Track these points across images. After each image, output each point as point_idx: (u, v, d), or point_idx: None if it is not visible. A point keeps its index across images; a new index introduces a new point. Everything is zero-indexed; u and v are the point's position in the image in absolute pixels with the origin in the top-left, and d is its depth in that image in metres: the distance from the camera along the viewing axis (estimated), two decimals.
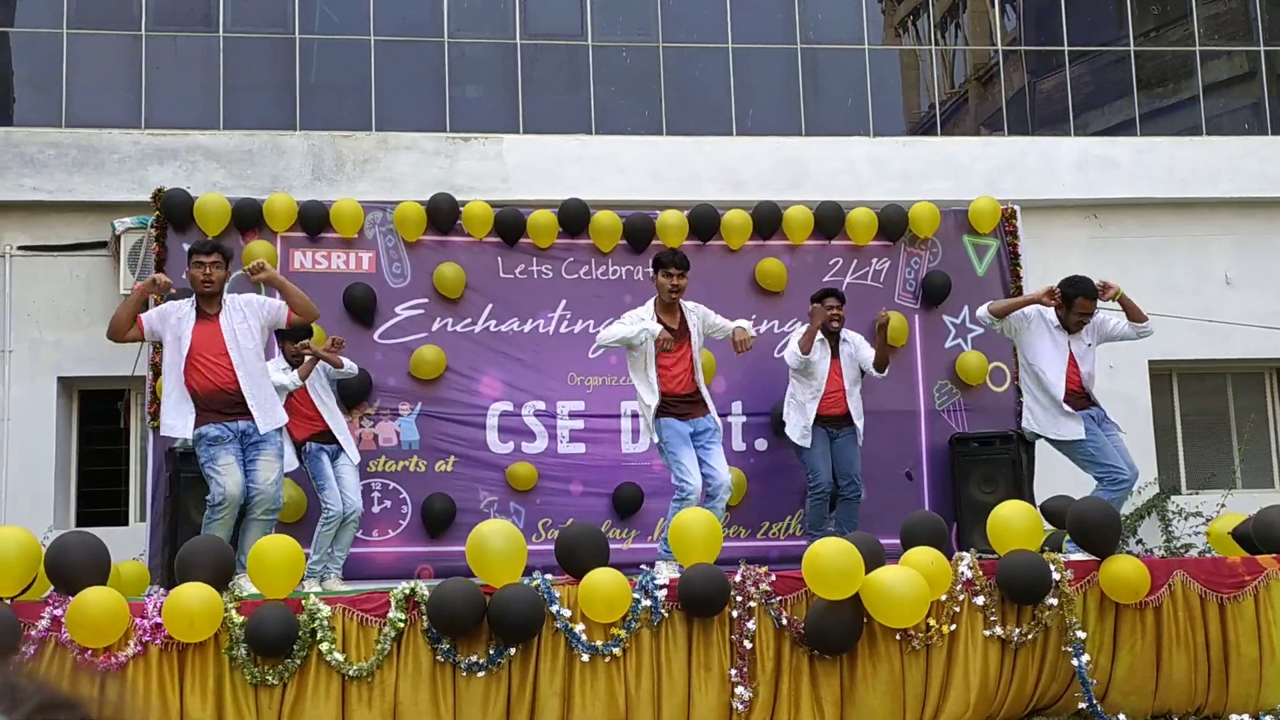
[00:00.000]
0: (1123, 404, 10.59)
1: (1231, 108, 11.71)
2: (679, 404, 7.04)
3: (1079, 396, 7.04)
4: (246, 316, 6.37)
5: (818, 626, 5.78)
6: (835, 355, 7.89)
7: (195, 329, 6.31)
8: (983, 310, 7.27)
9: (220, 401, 6.26)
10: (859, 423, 7.88)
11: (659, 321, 7.03)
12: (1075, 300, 7.06)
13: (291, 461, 7.23)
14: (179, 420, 6.32)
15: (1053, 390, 6.97)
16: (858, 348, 7.94)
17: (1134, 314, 7.15)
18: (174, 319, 6.38)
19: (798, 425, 7.83)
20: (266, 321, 6.47)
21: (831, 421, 7.82)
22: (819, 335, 7.77)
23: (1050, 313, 7.13)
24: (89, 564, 5.56)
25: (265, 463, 6.32)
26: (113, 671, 5.31)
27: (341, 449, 7.38)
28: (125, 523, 9.75)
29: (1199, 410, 11.31)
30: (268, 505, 6.36)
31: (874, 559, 5.85)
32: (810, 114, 10.99)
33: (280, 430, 6.49)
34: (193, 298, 6.48)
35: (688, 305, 7.20)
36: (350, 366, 7.57)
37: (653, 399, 6.99)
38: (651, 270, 7.21)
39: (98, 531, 7.93)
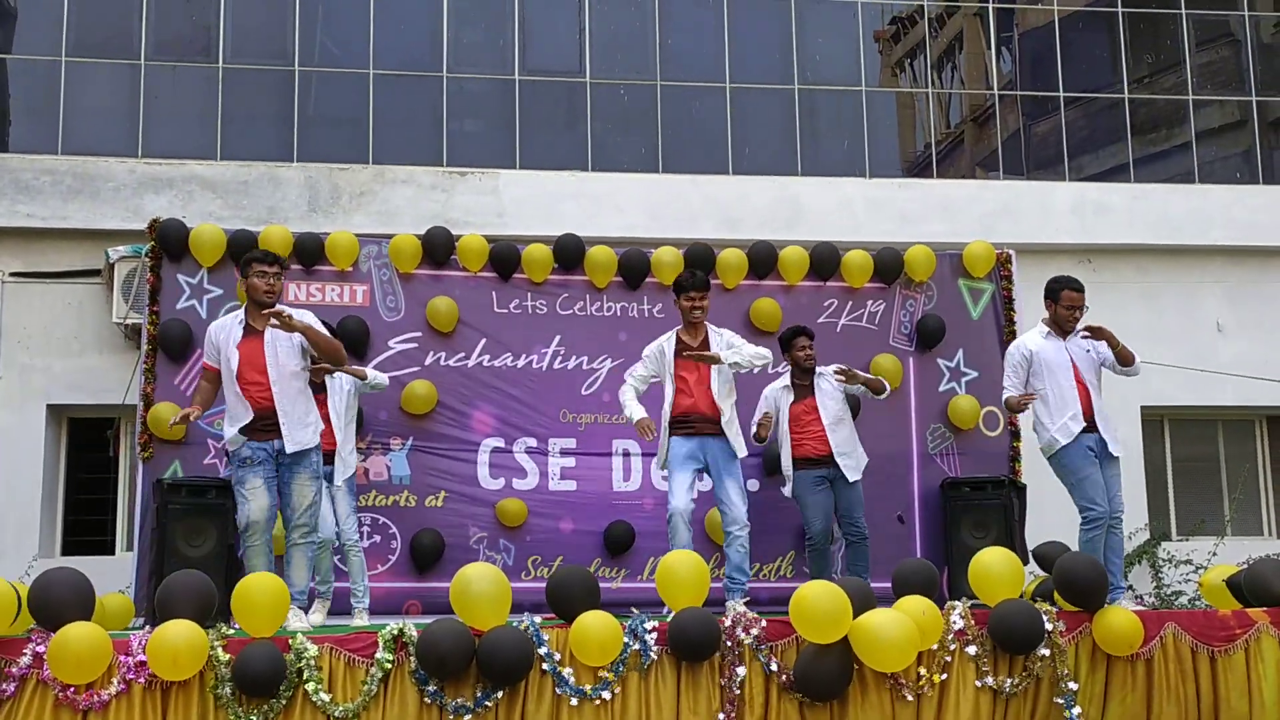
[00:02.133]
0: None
1: (1223, 155, 11.80)
2: (687, 422, 6.99)
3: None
4: (291, 333, 6.26)
5: (806, 671, 5.74)
6: (810, 394, 7.70)
7: (241, 346, 6.27)
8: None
9: (259, 420, 6.23)
10: (850, 460, 7.63)
11: (680, 341, 7.07)
12: (1061, 293, 6.98)
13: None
14: (231, 430, 6.29)
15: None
16: (834, 393, 7.75)
17: (1123, 358, 6.99)
18: (221, 337, 6.34)
19: (785, 470, 7.74)
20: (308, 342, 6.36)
21: (817, 463, 7.60)
22: (787, 381, 7.78)
23: (1032, 337, 7.07)
24: (73, 600, 5.49)
25: (299, 486, 6.28)
26: (95, 710, 5.25)
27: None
28: (112, 552, 9.69)
29: (1190, 457, 11.32)
30: (304, 529, 6.32)
31: (863, 603, 5.82)
32: (807, 154, 11.04)
33: (317, 449, 6.40)
34: (240, 311, 6.43)
35: (714, 330, 7.16)
36: (375, 378, 7.51)
37: (665, 415, 7.06)
38: (674, 293, 7.19)
39: (83, 560, 7.90)
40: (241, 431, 6.23)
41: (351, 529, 7.36)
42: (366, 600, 7.38)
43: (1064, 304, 6.96)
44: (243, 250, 8.25)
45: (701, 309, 7.03)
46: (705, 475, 7.11)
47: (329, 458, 7.22)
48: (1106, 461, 6.91)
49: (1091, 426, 6.89)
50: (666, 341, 7.15)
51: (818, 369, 7.76)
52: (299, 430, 6.30)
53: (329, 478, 7.20)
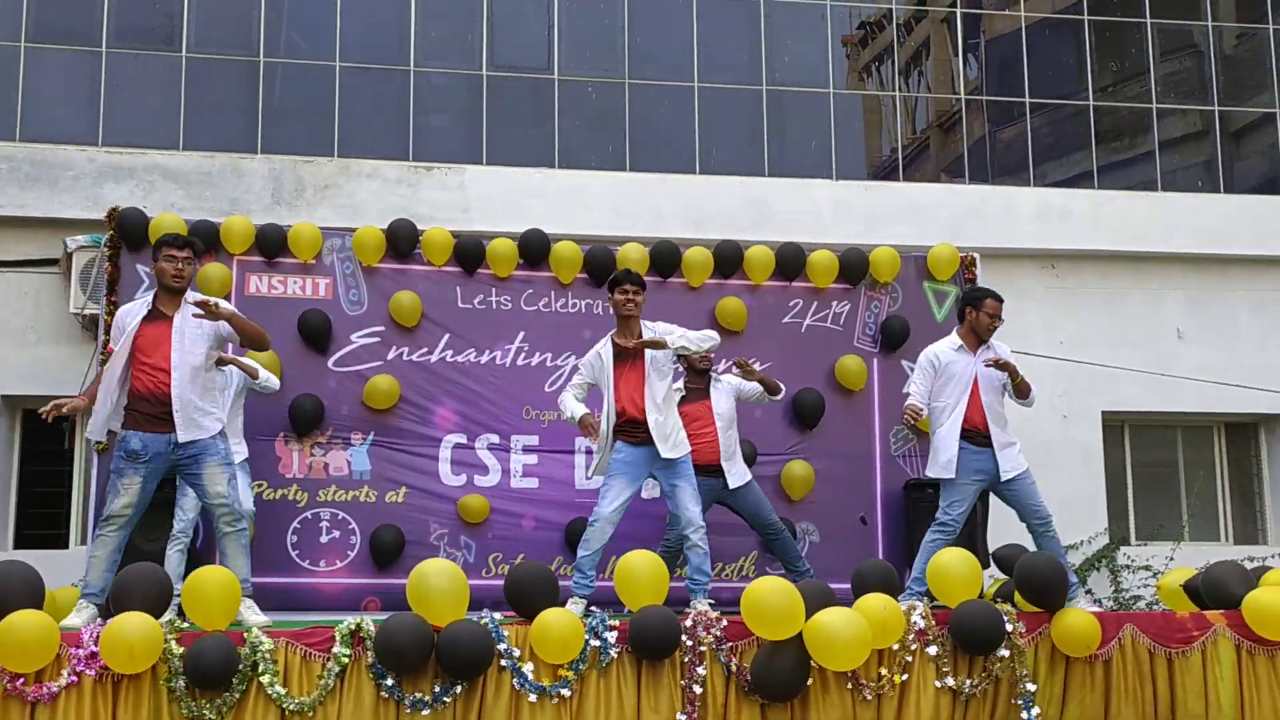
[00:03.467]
0: (1075, 453, 10.72)
1: (1185, 164, 11.92)
2: (631, 428, 6.74)
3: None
4: (203, 321, 6.08)
5: (761, 671, 5.73)
6: (704, 396, 7.52)
7: (143, 328, 6.05)
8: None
9: (150, 407, 5.99)
10: (734, 466, 7.44)
11: (614, 344, 6.82)
12: (984, 301, 6.87)
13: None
14: (113, 424, 6.03)
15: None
16: (737, 385, 7.60)
17: (1020, 390, 6.86)
18: (127, 319, 6.13)
19: None
20: (225, 333, 6.18)
21: (704, 471, 7.25)
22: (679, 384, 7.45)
23: (943, 347, 6.97)
24: (22, 592, 5.40)
25: (210, 474, 6.03)
26: (44, 702, 5.16)
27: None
28: (66, 546, 9.54)
29: (1149, 462, 11.41)
30: (229, 516, 6.07)
31: (823, 603, 5.81)
32: (774, 155, 11.05)
33: (220, 436, 6.15)
34: (149, 296, 6.26)
35: (649, 325, 6.86)
36: (267, 379, 7.31)
37: (607, 423, 6.76)
38: (608, 292, 6.93)
39: (37, 554, 7.77)
40: (131, 423, 5.99)
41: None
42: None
43: (987, 311, 6.83)
44: (204, 241, 8.18)
45: (635, 303, 6.77)
46: (650, 483, 6.99)
47: None
48: (1012, 482, 6.75)
49: (984, 442, 6.75)
50: (603, 348, 6.87)
51: (714, 374, 7.63)
52: (196, 419, 6.04)
53: None
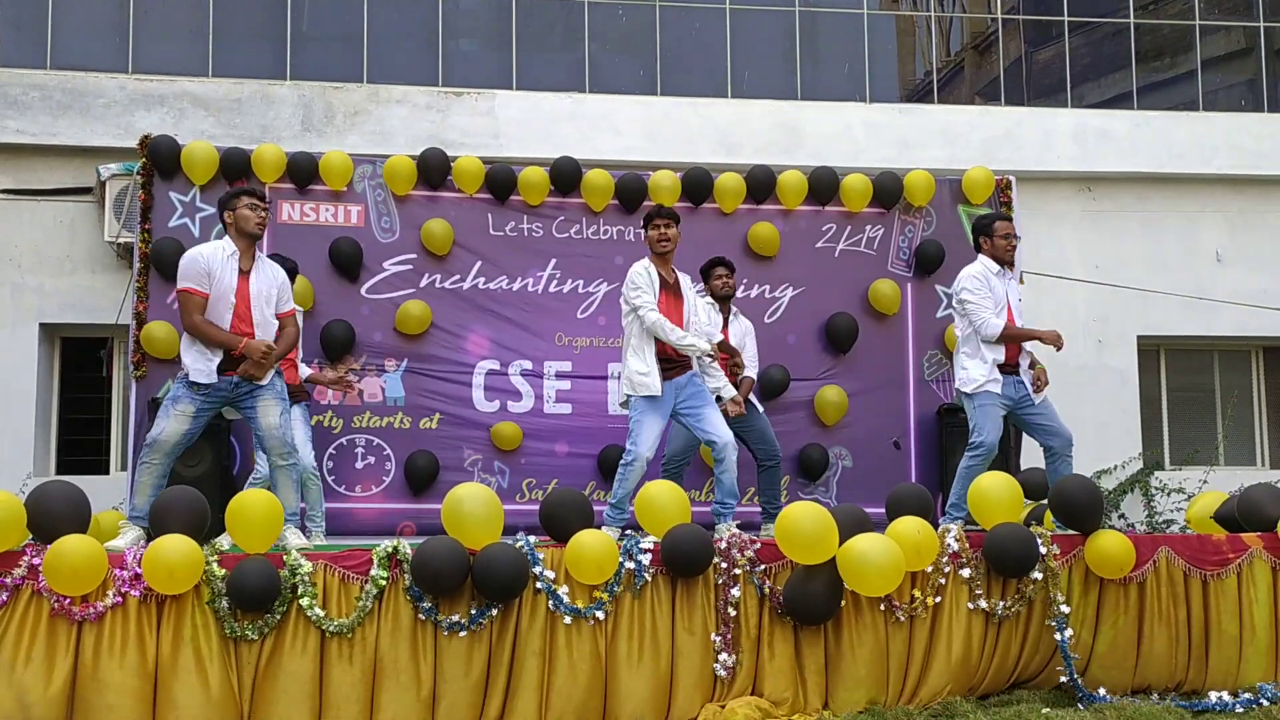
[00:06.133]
0: (1111, 378, 10.66)
1: (1228, 84, 11.68)
2: (667, 362, 6.71)
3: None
4: (273, 283, 6.26)
5: (794, 595, 5.76)
6: (725, 325, 7.59)
7: (240, 283, 6.14)
8: (993, 332, 6.64)
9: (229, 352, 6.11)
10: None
11: (659, 276, 6.76)
12: (994, 225, 6.82)
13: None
14: (207, 366, 6.08)
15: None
16: (746, 333, 7.69)
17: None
18: (216, 268, 6.10)
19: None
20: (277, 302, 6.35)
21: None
22: (710, 300, 7.58)
23: (984, 268, 6.84)
24: (69, 513, 5.49)
25: (265, 406, 6.14)
26: (90, 621, 5.26)
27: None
28: (106, 471, 9.69)
29: (1185, 386, 11.33)
30: (281, 449, 6.19)
31: (858, 529, 5.82)
32: (806, 78, 10.91)
33: (278, 373, 6.29)
34: (226, 246, 6.19)
35: (684, 278, 6.90)
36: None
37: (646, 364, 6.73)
38: (642, 229, 6.93)
39: (78, 480, 7.88)
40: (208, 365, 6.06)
41: (309, 456, 7.32)
42: (323, 525, 7.38)
43: (999, 235, 6.77)
44: (235, 169, 8.20)
45: (669, 238, 6.74)
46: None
47: (296, 393, 7.28)
48: (1031, 402, 6.69)
49: (1015, 369, 6.70)
50: (649, 269, 6.76)
51: (734, 309, 7.72)
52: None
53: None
